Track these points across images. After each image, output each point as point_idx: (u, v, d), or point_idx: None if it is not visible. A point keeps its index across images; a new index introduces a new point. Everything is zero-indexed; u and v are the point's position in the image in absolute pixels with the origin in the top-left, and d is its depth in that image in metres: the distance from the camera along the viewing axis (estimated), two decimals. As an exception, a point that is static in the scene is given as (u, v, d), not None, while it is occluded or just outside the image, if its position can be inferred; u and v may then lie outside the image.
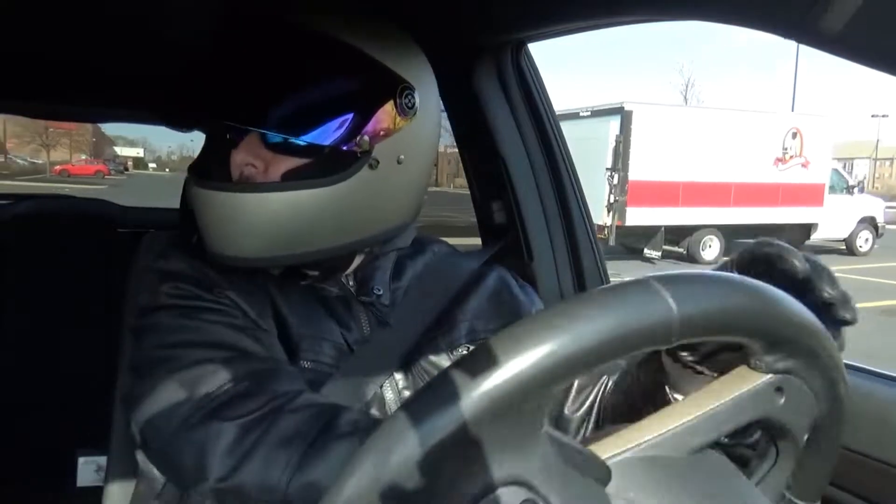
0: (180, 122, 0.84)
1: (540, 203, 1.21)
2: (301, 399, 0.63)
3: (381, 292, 0.80)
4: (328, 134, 0.70)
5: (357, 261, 0.81)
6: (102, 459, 1.28)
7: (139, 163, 32.02)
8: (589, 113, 10.65)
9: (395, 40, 0.76)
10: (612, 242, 9.98)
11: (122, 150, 31.23)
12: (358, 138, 0.70)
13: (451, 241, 0.97)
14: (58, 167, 25.76)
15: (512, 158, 1.20)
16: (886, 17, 0.46)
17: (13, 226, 1.71)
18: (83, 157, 28.24)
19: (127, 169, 29.61)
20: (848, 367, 0.49)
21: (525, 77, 1.20)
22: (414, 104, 0.74)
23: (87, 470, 1.46)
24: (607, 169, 9.88)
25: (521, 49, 1.19)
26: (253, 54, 0.71)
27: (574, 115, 10.55)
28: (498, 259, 0.97)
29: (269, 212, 0.68)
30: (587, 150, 9.55)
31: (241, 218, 0.68)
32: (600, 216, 9.82)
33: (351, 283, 0.80)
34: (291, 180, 0.71)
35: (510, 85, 1.19)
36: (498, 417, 0.32)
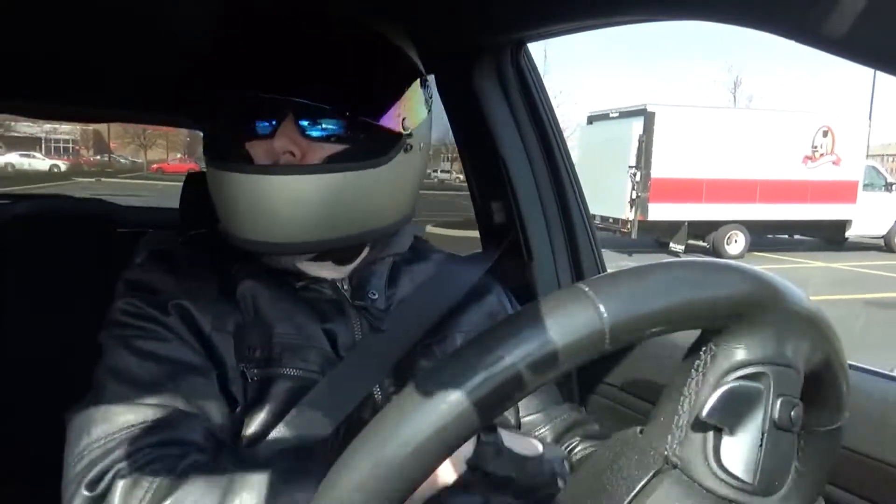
0: (183, 121, 0.85)
1: (540, 203, 1.21)
2: (184, 463, 0.62)
3: (376, 297, 0.80)
4: (381, 114, 0.73)
5: (356, 261, 0.81)
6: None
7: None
8: (617, 114, 11.09)
9: (409, 37, 0.81)
10: (634, 236, 10.55)
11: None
12: (403, 120, 0.74)
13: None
14: (154, 165, 28.77)
15: (511, 158, 1.20)
16: (887, 17, 0.45)
17: (13, 226, 1.71)
18: (178, 155, 31.24)
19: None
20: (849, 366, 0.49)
21: (524, 77, 1.20)
22: (431, 95, 0.80)
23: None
24: (630, 167, 10.46)
25: (521, 49, 1.19)
26: (316, 44, 0.72)
27: (605, 116, 11.12)
28: (498, 259, 0.97)
29: (318, 194, 0.69)
30: (614, 149, 10.67)
31: (291, 201, 0.69)
32: (623, 211, 10.54)
33: (345, 286, 0.80)
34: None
35: (510, 85, 1.19)
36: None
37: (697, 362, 0.41)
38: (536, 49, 1.22)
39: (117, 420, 0.63)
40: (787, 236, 12.13)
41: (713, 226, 10.93)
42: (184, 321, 0.70)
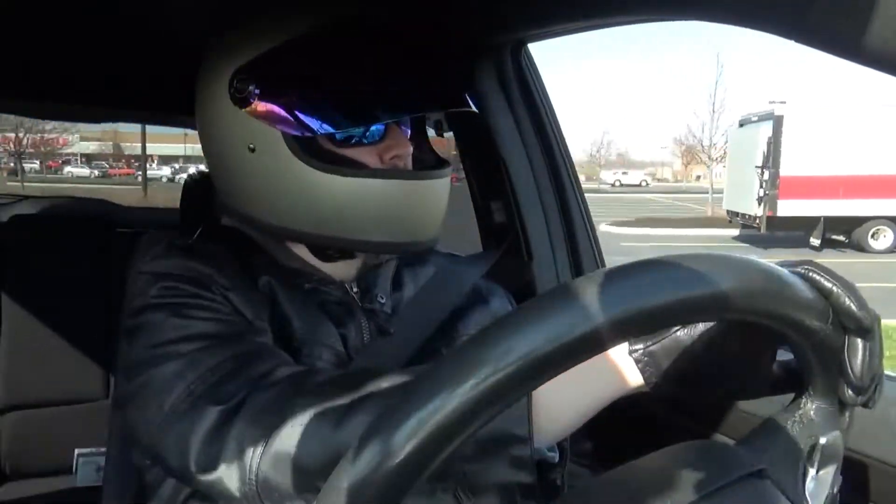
0: (184, 121, 0.84)
1: (540, 203, 1.21)
2: (278, 372, 0.61)
3: (384, 300, 0.80)
4: (467, 105, 0.80)
5: (360, 261, 0.81)
6: (102, 459, 1.28)
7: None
8: (756, 118, 12.03)
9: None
10: (763, 230, 11.55)
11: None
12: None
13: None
14: None
15: (512, 158, 1.20)
16: (887, 17, 0.45)
17: (13, 226, 1.71)
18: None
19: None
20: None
21: (525, 77, 1.20)
22: None
23: (87, 470, 1.46)
24: (756, 166, 11.50)
25: (521, 49, 1.19)
26: (413, 55, 0.77)
27: (748, 121, 12.27)
28: (498, 259, 0.97)
29: (447, 192, 0.77)
30: (748, 150, 11.74)
31: (441, 202, 0.77)
32: (753, 208, 11.59)
33: (354, 289, 0.80)
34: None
35: (510, 85, 1.19)
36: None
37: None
38: (536, 49, 1.22)
39: (199, 366, 0.61)
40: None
41: (855, 221, 11.36)
42: (228, 301, 0.69)
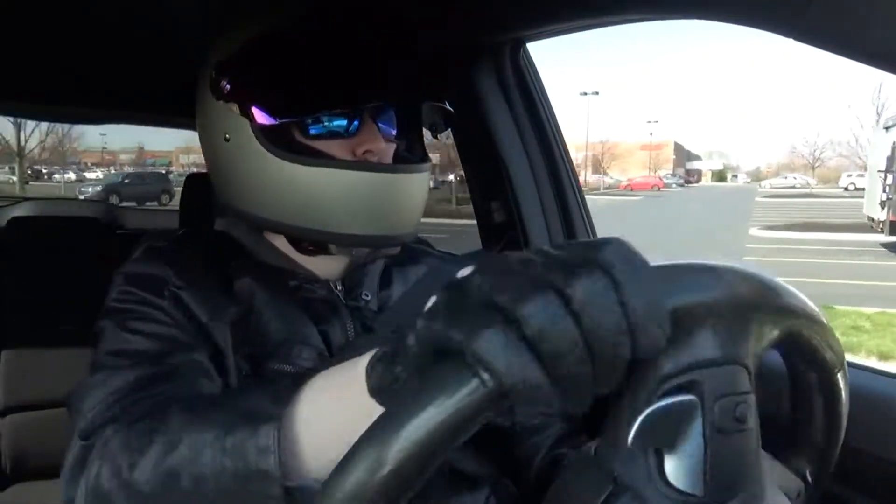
0: (184, 121, 0.85)
1: (539, 203, 1.21)
2: (169, 396, 0.63)
3: (369, 298, 0.80)
4: (443, 100, 0.81)
5: (346, 259, 0.81)
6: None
7: (719, 175, 37.16)
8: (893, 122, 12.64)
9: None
10: (886, 235, 11.70)
11: (697, 164, 38.21)
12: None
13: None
14: (624, 183, 34.80)
15: (511, 158, 1.20)
16: (887, 17, 0.45)
17: (13, 227, 1.71)
18: (646, 173, 37.43)
19: (689, 182, 35.90)
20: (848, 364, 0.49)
21: (524, 76, 1.20)
22: None
23: (88, 471, 1.46)
24: (879, 171, 11.85)
25: (520, 48, 1.19)
26: (389, 45, 0.76)
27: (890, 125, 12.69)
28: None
29: (422, 189, 0.78)
30: (877, 156, 12.28)
31: (412, 196, 0.76)
32: (875, 211, 11.98)
33: (339, 287, 0.80)
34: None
35: (509, 84, 1.19)
36: None
37: (630, 379, 0.37)
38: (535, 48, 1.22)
39: (113, 383, 0.64)
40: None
41: None
42: (179, 308, 0.71)
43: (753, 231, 14.40)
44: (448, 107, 0.80)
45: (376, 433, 0.34)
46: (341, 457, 0.40)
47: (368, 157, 0.73)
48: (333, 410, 0.49)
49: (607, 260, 0.33)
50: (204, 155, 0.84)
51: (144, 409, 0.60)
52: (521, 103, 1.20)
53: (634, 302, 0.32)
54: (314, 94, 0.72)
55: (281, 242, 0.80)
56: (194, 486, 0.51)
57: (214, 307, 0.72)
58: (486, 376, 0.32)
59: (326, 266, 0.80)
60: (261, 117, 0.73)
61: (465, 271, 0.36)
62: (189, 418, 0.55)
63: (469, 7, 1.02)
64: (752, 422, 0.39)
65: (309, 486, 0.50)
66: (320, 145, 0.74)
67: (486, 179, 1.25)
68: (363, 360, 0.46)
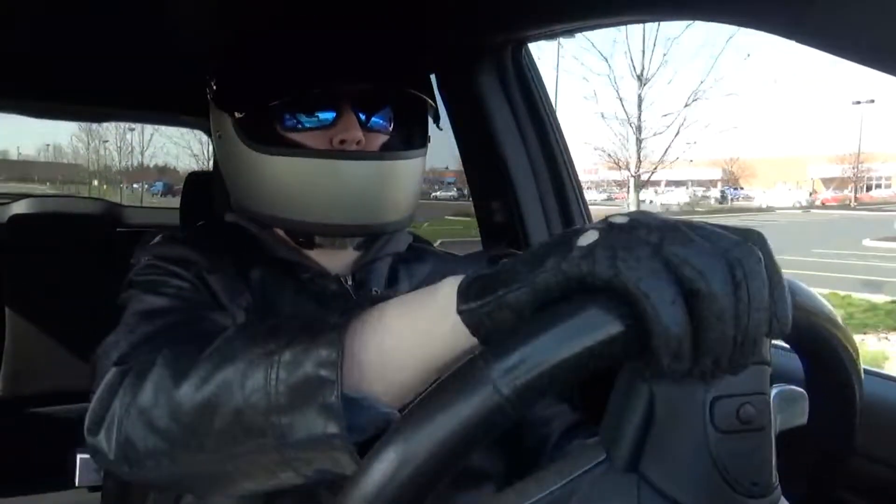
0: (184, 120, 0.85)
1: (540, 203, 1.21)
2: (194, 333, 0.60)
3: (378, 294, 0.81)
4: (431, 91, 0.81)
5: (356, 255, 0.82)
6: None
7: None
8: None
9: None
10: None
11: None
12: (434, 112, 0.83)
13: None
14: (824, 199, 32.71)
15: (512, 158, 1.20)
16: (887, 17, 0.46)
17: (13, 225, 1.71)
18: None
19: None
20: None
21: (525, 76, 1.20)
22: None
23: (87, 470, 1.46)
24: None
25: (522, 48, 1.19)
26: (369, 32, 0.78)
27: None
28: (498, 259, 0.97)
29: (404, 177, 0.76)
30: None
31: (393, 184, 0.75)
32: None
33: (349, 282, 0.81)
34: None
35: (510, 84, 1.19)
36: None
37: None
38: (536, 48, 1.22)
39: (139, 331, 0.61)
40: None
41: None
42: (205, 287, 0.72)
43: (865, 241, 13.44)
44: (425, 97, 0.79)
45: (510, 347, 0.33)
46: (411, 380, 0.41)
47: (345, 148, 0.74)
48: (409, 324, 0.45)
49: (755, 239, 0.34)
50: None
51: (188, 335, 0.57)
52: (523, 104, 1.20)
53: (777, 285, 0.34)
54: (285, 87, 0.74)
55: (286, 235, 0.81)
56: (245, 399, 0.46)
57: (233, 292, 0.73)
58: (641, 319, 0.32)
59: (336, 261, 0.81)
60: (241, 114, 0.76)
61: (619, 219, 0.36)
62: (244, 336, 0.51)
63: (471, 7, 1.02)
64: (763, 422, 0.37)
65: (367, 400, 0.46)
66: (299, 137, 0.76)
67: (487, 179, 1.25)
68: (443, 287, 0.43)
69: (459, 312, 0.39)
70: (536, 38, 1.17)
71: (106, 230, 1.82)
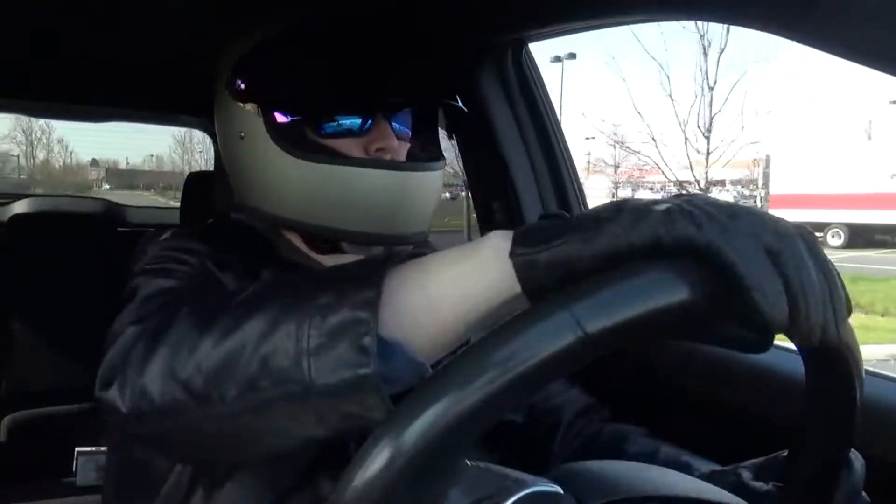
0: (184, 120, 0.85)
1: (540, 203, 1.21)
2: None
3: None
4: (453, 98, 0.84)
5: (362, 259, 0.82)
6: (102, 459, 1.27)
7: None
8: None
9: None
10: None
11: None
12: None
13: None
14: None
15: (512, 158, 1.20)
16: (887, 17, 0.46)
17: (13, 224, 1.71)
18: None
19: None
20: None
21: (526, 76, 1.20)
22: None
23: (87, 469, 1.46)
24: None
25: (522, 48, 1.19)
26: (395, 43, 0.79)
27: None
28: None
29: (435, 188, 0.78)
30: None
31: (424, 196, 0.76)
32: None
33: None
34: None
35: (511, 84, 1.19)
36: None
37: None
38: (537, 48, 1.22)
39: (148, 304, 0.59)
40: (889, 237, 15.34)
41: (822, 226, 14.50)
42: (214, 276, 0.70)
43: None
44: (461, 104, 0.82)
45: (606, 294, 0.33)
46: (447, 333, 0.40)
47: (381, 156, 0.74)
48: (452, 272, 0.43)
49: (808, 238, 0.37)
50: (221, 152, 0.86)
51: (207, 299, 0.54)
52: (523, 103, 1.20)
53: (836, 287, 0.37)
54: (328, 94, 0.73)
55: (297, 240, 0.81)
56: (273, 345, 0.43)
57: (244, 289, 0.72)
58: (731, 276, 0.33)
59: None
60: (274, 116, 0.74)
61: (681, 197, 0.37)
62: (278, 286, 0.48)
63: (471, 7, 1.02)
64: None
65: (402, 348, 0.43)
66: (333, 143, 0.75)
67: (487, 180, 1.25)
68: (490, 239, 0.43)
69: (513, 256, 0.39)
70: (536, 38, 1.17)
71: (106, 230, 1.82)
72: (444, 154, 0.83)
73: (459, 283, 0.43)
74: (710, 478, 0.58)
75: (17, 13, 1.05)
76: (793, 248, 0.35)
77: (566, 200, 1.22)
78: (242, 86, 0.76)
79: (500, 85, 1.19)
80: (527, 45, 1.19)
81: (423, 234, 0.77)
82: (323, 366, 0.42)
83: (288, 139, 0.73)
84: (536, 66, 1.22)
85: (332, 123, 0.75)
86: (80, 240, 1.73)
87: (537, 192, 1.21)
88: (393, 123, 0.76)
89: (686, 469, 0.63)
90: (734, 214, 0.35)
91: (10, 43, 1.21)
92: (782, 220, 0.36)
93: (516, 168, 1.20)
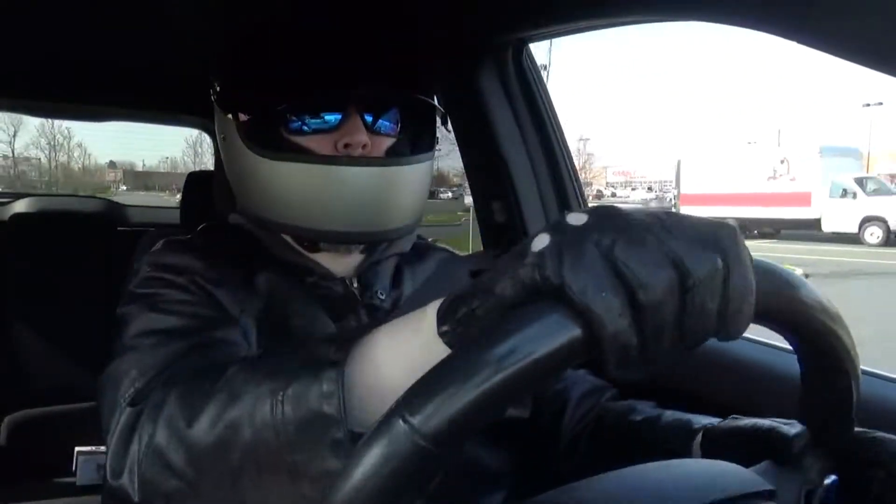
0: (185, 120, 0.85)
1: (540, 203, 1.21)
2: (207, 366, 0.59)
3: (384, 297, 0.81)
4: (433, 94, 0.82)
5: (361, 257, 0.81)
6: (102, 458, 1.27)
7: None
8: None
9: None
10: None
11: None
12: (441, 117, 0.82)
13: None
14: None
15: (512, 158, 1.20)
16: (887, 17, 0.46)
17: (13, 224, 1.71)
18: None
19: None
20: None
21: (526, 77, 1.20)
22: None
23: (87, 469, 1.46)
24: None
25: (523, 49, 1.19)
26: (373, 33, 0.78)
27: None
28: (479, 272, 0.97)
29: (411, 181, 0.75)
30: None
31: (400, 190, 0.74)
32: None
33: (354, 285, 0.80)
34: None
35: (511, 85, 1.19)
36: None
37: None
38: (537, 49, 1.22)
39: (150, 360, 0.61)
40: (771, 230, 16.83)
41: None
42: (209, 298, 0.71)
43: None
44: (433, 101, 0.79)
45: (459, 363, 0.33)
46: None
47: (350, 152, 0.72)
48: (400, 354, 0.46)
49: (724, 245, 0.33)
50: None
51: (198, 369, 0.57)
52: (524, 104, 1.20)
53: (733, 292, 0.33)
54: (291, 91, 0.72)
55: (290, 238, 0.80)
56: (254, 437, 0.48)
57: (240, 301, 0.72)
58: (589, 327, 0.32)
59: (341, 263, 0.81)
60: (242, 115, 0.75)
61: (576, 218, 0.35)
62: (247, 374, 0.52)
63: (471, 7, 1.02)
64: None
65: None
66: (303, 141, 0.74)
67: (487, 179, 1.25)
68: (428, 312, 0.44)
69: (440, 335, 0.40)
70: (536, 38, 1.17)
71: (106, 229, 1.82)
72: (448, 155, 0.83)
73: (408, 366, 0.44)
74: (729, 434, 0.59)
75: (19, 13, 1.05)
76: (655, 299, 0.32)
77: (566, 200, 1.22)
78: (218, 89, 0.78)
79: (500, 85, 1.19)
80: (527, 45, 1.19)
81: (404, 229, 0.76)
82: (305, 460, 0.47)
83: (257, 139, 0.73)
84: (537, 66, 1.22)
85: (300, 121, 0.74)
86: (80, 239, 1.73)
87: (537, 192, 1.21)
88: (371, 118, 0.75)
89: (688, 424, 0.65)
90: (607, 255, 0.33)
91: (11, 43, 1.21)
92: (673, 246, 0.33)
93: (516, 168, 1.20)
